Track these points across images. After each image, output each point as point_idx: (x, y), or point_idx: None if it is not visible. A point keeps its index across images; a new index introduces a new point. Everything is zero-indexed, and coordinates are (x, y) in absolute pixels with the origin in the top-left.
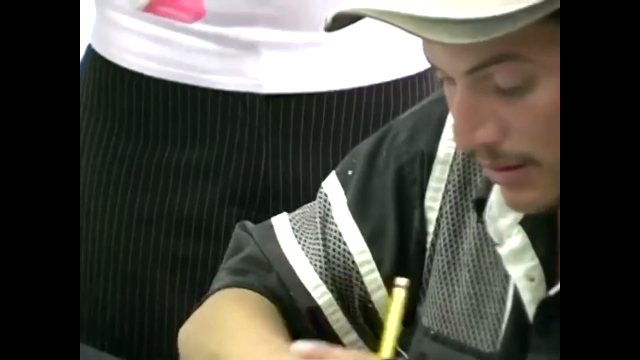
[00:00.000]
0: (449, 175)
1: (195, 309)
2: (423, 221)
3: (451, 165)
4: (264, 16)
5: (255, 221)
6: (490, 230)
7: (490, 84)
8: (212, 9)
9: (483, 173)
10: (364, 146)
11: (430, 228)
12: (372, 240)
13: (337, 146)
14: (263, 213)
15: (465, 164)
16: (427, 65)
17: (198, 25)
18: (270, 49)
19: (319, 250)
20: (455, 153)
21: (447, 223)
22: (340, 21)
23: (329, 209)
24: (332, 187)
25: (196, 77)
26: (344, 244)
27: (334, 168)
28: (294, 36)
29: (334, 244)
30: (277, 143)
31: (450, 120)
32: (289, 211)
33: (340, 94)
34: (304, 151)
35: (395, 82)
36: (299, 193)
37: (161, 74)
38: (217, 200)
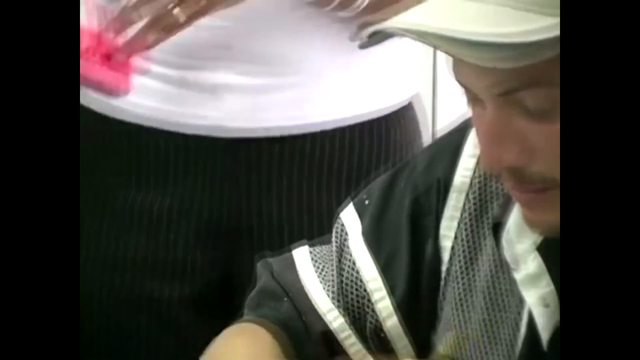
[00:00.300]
0: (464, 204)
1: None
2: (437, 249)
3: (467, 194)
4: (225, 59)
5: (227, 260)
6: (507, 254)
7: (520, 107)
8: (172, 52)
9: (500, 199)
10: (383, 176)
11: (446, 256)
12: (386, 269)
13: (301, 184)
14: (234, 252)
15: (481, 191)
16: (394, 108)
17: (160, 69)
18: (231, 91)
19: (334, 276)
20: (471, 181)
21: (463, 250)
22: (374, 39)
23: (345, 238)
24: (348, 215)
25: (159, 119)
26: (357, 271)
27: (298, 203)
28: (255, 79)
29: (348, 272)
30: (239, 184)
31: (467, 149)
32: (256, 248)
33: (302, 136)
34: (267, 190)
35: (361, 125)
36: (263, 229)
37: (124, 116)
38: (185, 243)
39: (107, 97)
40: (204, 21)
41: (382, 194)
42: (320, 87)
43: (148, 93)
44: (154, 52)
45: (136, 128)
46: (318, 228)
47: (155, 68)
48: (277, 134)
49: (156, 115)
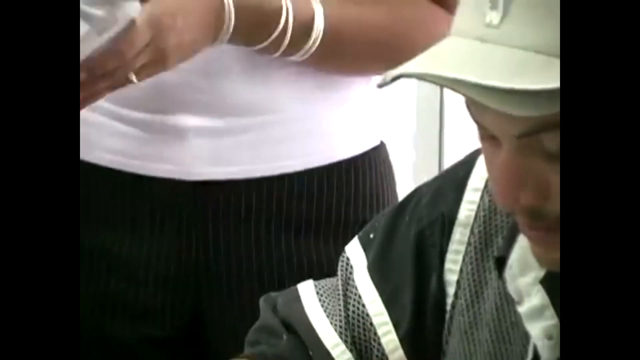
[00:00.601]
0: (469, 238)
1: None
2: (442, 283)
3: (472, 228)
4: (191, 102)
5: (195, 304)
6: (510, 288)
7: (540, 148)
8: (137, 95)
9: (504, 233)
10: (388, 209)
11: (451, 290)
12: (390, 303)
13: (269, 227)
14: (202, 296)
15: (486, 225)
16: (363, 149)
17: (125, 111)
18: (197, 135)
19: (340, 311)
20: (476, 215)
21: (468, 284)
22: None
23: (350, 272)
24: (353, 250)
25: (123, 162)
26: (363, 306)
27: (266, 246)
28: (220, 121)
29: (354, 306)
30: (206, 227)
31: (472, 183)
32: (225, 292)
33: (269, 179)
34: (235, 234)
35: (329, 167)
36: (232, 274)
37: (87, 157)
38: (154, 286)
39: None
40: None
41: (386, 228)
42: (287, 130)
43: (114, 135)
44: (120, 95)
45: (102, 170)
46: (288, 271)
47: (122, 111)
48: (243, 176)
49: (120, 158)
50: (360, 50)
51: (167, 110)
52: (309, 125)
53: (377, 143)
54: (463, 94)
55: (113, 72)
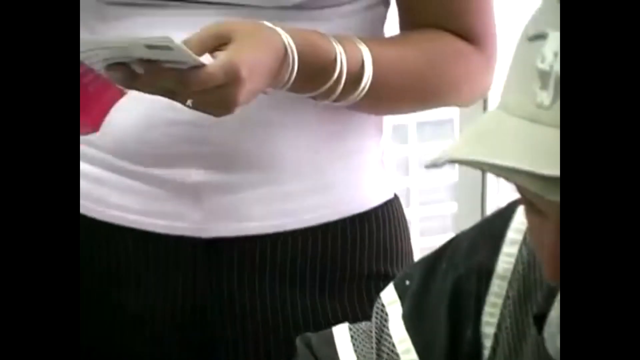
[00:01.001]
0: (507, 291)
1: None
2: (478, 334)
3: (510, 282)
4: (202, 156)
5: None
6: (549, 346)
7: None
8: (148, 151)
9: (543, 289)
10: (424, 256)
11: (488, 342)
12: (424, 353)
13: (284, 282)
14: (215, 351)
15: (525, 280)
16: (377, 203)
17: (136, 167)
18: (210, 191)
19: (373, 357)
20: (514, 269)
21: (507, 339)
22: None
23: (385, 319)
24: (389, 297)
25: (135, 219)
26: (397, 355)
27: (282, 302)
28: (233, 176)
29: (387, 353)
30: (220, 283)
31: (510, 235)
32: (241, 347)
33: (282, 234)
34: (249, 289)
35: (342, 221)
36: (248, 331)
37: (97, 214)
38: (167, 340)
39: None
40: (181, 117)
41: (423, 276)
42: (302, 184)
43: (126, 192)
44: (130, 151)
45: (114, 228)
46: (304, 326)
47: (131, 167)
48: (257, 232)
49: (134, 216)
50: (398, 93)
51: (177, 165)
52: (323, 177)
53: (391, 196)
54: (518, 184)
55: (170, 90)
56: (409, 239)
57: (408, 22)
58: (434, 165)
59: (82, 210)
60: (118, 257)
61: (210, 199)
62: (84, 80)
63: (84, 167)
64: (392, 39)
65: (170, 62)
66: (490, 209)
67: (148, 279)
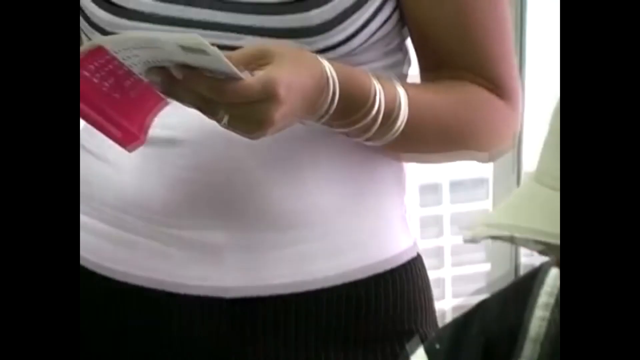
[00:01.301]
0: (539, 354)
1: None
2: None
3: (542, 343)
4: (226, 217)
5: None
6: None
7: None
8: (172, 211)
9: None
10: (454, 319)
11: None
12: None
13: (310, 345)
14: None
15: (557, 341)
16: (402, 260)
17: (160, 228)
18: (233, 251)
19: None
20: (546, 331)
21: None
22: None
23: None
24: None
25: (158, 280)
26: None
27: None
28: (256, 235)
29: None
30: (244, 345)
31: (542, 298)
32: None
33: (306, 293)
34: (274, 349)
35: (367, 280)
36: None
37: (120, 276)
38: None
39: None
40: (202, 177)
41: (453, 338)
42: (326, 240)
43: (146, 253)
44: (152, 211)
45: (133, 289)
46: None
47: (155, 228)
48: (280, 292)
49: (155, 276)
50: (429, 137)
51: (201, 226)
52: (348, 232)
53: (414, 255)
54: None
55: (207, 99)
56: (431, 296)
57: (429, 66)
58: (473, 241)
59: (102, 271)
60: (137, 317)
61: (234, 259)
62: (125, 84)
63: (105, 229)
64: (424, 84)
65: (209, 70)
66: (523, 269)
67: (170, 339)
